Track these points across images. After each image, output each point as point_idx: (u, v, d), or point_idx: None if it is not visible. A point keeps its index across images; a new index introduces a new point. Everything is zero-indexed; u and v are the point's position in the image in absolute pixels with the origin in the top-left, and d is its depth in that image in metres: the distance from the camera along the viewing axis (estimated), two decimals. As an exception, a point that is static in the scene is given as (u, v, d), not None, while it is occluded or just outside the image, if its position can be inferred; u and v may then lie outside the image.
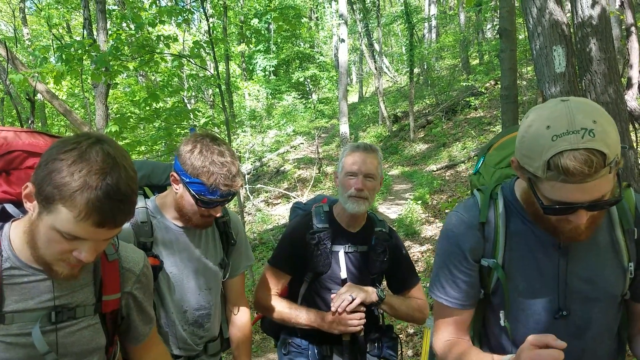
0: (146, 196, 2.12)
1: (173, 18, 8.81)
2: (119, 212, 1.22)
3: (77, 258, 1.26)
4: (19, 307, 1.32)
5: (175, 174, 1.95)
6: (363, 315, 2.25)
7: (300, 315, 2.33)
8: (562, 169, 1.18)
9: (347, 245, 2.38)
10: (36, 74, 6.96)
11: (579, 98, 1.31)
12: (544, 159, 1.21)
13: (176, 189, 1.97)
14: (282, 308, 2.37)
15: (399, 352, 2.50)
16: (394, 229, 9.06)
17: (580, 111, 1.22)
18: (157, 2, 8.79)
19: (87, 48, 6.89)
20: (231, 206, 12.37)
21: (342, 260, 2.36)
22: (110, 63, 6.92)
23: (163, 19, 8.35)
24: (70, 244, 1.24)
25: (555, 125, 1.21)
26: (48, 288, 1.36)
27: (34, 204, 1.25)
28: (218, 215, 1.97)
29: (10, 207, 1.44)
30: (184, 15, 8.75)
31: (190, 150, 1.88)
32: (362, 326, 2.26)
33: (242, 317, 2.30)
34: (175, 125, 9.27)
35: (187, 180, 1.88)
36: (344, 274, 2.35)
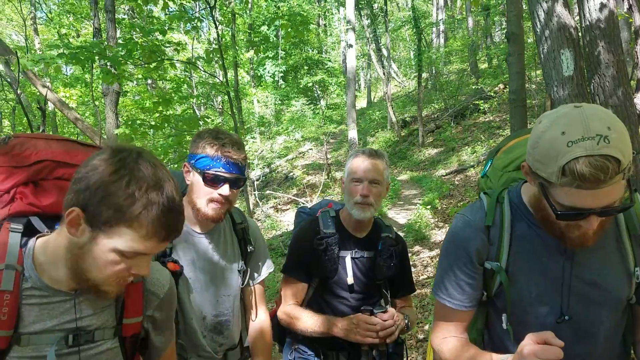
0: None
1: (182, 24, 8.90)
2: (179, 222, 1.23)
3: (136, 275, 1.24)
4: (36, 328, 1.27)
5: (186, 164, 2.02)
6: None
7: (316, 324, 2.29)
8: (577, 175, 1.18)
9: (354, 251, 2.37)
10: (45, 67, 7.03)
11: (592, 104, 1.32)
12: (559, 165, 1.21)
13: (188, 181, 2.02)
14: (302, 317, 2.33)
15: (405, 358, 2.47)
16: (403, 234, 8.88)
17: (595, 117, 1.22)
18: (167, 10, 8.87)
19: (102, 47, 6.94)
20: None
21: (348, 266, 2.35)
22: (121, 64, 6.98)
23: (172, 26, 8.42)
24: (129, 262, 1.22)
25: (571, 131, 1.21)
26: (68, 310, 1.31)
27: (83, 228, 1.20)
28: (225, 194, 1.95)
29: (35, 221, 1.38)
30: (193, 22, 8.82)
31: (198, 134, 2.01)
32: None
33: (262, 325, 2.28)
34: (185, 132, 9.34)
35: (194, 160, 1.95)
36: (350, 280, 2.34)
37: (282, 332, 2.51)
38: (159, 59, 7.85)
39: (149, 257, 1.25)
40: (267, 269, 2.31)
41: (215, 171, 1.92)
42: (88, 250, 1.20)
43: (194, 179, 1.98)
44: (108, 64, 7.19)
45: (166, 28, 8.30)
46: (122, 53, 6.91)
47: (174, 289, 1.59)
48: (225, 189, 1.95)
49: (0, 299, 1.22)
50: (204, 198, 1.96)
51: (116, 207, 1.15)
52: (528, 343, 1.26)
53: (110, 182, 1.16)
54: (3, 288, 1.22)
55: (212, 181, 1.94)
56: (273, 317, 2.57)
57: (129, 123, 9.14)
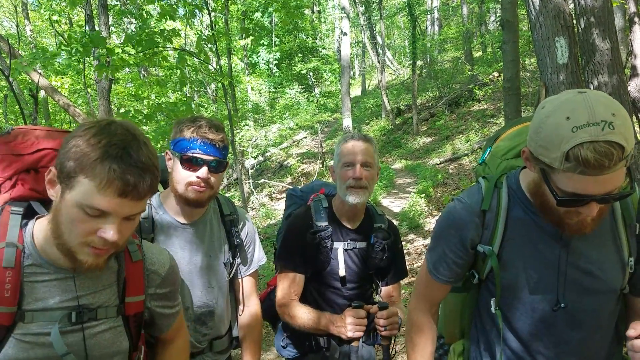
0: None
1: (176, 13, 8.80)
2: (141, 181, 1.20)
3: (103, 238, 1.22)
4: (38, 305, 1.29)
5: (167, 151, 2.00)
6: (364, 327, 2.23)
7: (315, 320, 2.27)
8: (582, 160, 1.18)
9: (346, 242, 2.36)
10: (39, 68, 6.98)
11: (595, 91, 1.31)
12: (562, 150, 1.21)
13: (170, 168, 1.99)
14: (300, 314, 2.30)
15: (393, 338, 2.42)
16: (397, 222, 8.82)
17: (600, 103, 1.22)
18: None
19: (92, 41, 6.89)
20: (235, 201, 12.34)
21: (341, 258, 2.33)
22: (115, 58, 6.95)
23: (165, 19, 8.36)
24: (95, 222, 1.21)
25: (575, 117, 1.21)
26: (70, 287, 1.33)
27: (57, 187, 1.24)
28: (204, 177, 1.91)
29: (36, 205, 1.43)
30: (190, 7, 8.72)
31: (177, 120, 2.00)
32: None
33: (252, 317, 2.27)
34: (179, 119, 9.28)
35: (173, 145, 1.93)
36: (342, 272, 2.33)
37: (274, 313, 2.45)
38: (154, 47, 7.79)
39: (115, 220, 1.22)
40: (257, 261, 2.28)
41: (192, 153, 1.89)
42: (59, 210, 1.24)
43: (174, 164, 1.95)
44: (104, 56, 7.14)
45: (163, 20, 8.24)
46: (129, 47, 6.92)
47: (176, 266, 1.62)
48: (203, 172, 1.91)
49: (2, 276, 1.25)
50: (182, 182, 1.92)
51: (76, 157, 1.19)
52: None
53: (76, 137, 1.21)
54: (5, 265, 1.26)
55: (189, 163, 1.90)
56: (264, 299, 2.55)
57: (124, 112, 9.08)
